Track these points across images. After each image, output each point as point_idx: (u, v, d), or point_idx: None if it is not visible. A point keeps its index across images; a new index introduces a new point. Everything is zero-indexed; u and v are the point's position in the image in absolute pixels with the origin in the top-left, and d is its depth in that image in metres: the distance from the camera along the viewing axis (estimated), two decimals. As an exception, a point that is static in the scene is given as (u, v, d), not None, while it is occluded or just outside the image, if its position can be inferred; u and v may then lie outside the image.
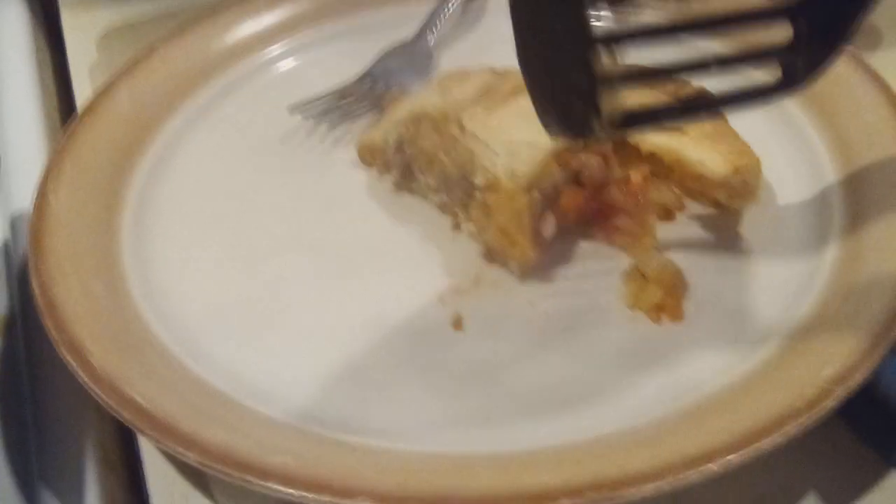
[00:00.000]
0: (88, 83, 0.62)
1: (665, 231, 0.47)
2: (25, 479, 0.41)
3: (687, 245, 0.46)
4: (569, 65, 0.33)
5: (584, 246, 0.47)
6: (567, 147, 0.45)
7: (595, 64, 0.33)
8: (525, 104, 0.47)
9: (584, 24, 0.32)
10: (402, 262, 0.47)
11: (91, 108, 0.52)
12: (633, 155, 0.48)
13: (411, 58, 0.58)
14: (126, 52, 0.60)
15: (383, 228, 0.49)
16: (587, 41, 0.33)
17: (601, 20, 0.33)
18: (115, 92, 0.53)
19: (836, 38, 0.33)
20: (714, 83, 0.36)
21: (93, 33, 0.67)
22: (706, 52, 0.36)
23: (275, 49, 0.59)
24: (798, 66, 0.34)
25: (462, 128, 0.46)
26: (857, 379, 0.36)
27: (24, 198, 0.50)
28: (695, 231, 0.47)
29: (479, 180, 0.45)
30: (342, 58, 0.58)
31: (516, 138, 0.45)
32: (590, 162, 0.47)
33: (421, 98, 0.49)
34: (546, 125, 0.36)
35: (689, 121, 0.37)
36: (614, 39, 0.33)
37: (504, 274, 0.46)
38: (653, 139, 0.47)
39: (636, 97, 0.34)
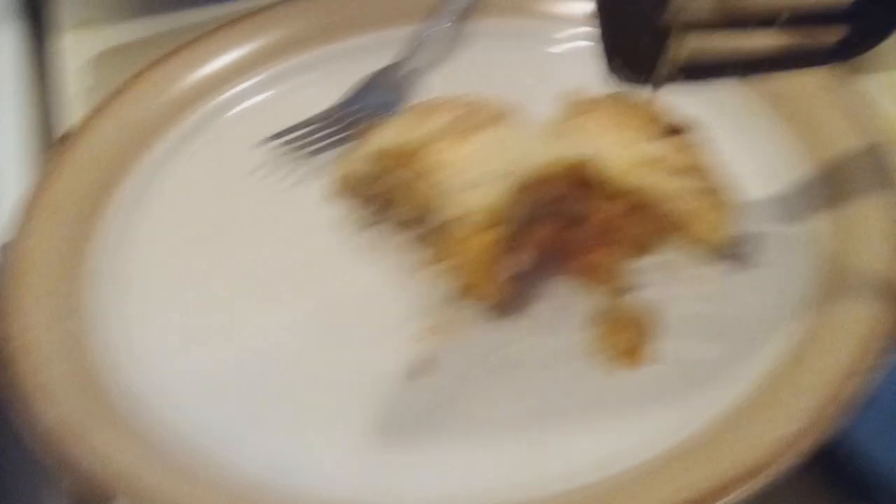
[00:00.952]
0: (79, 109, 0.63)
1: (637, 268, 0.46)
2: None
3: (659, 285, 0.45)
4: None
5: (558, 282, 0.46)
6: (533, 179, 0.44)
7: (671, 2, 0.34)
8: (494, 135, 0.47)
9: None
10: (371, 303, 0.46)
11: (66, 144, 0.52)
12: (606, 189, 0.47)
13: (391, 85, 0.57)
14: (117, 77, 0.60)
15: (352, 267, 0.48)
16: None
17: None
18: (90, 129, 0.53)
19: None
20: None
21: (84, 57, 0.67)
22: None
23: (254, 78, 0.58)
24: (858, 34, 0.34)
25: (430, 161, 0.45)
26: (817, 440, 0.35)
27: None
28: (667, 269, 0.46)
29: (445, 215, 0.44)
30: (323, 86, 0.57)
31: (483, 170, 0.44)
32: (560, 194, 0.46)
33: (391, 130, 0.48)
34: (610, 63, 0.36)
35: (752, 77, 0.37)
36: None
37: (475, 313, 0.45)
38: (626, 175, 0.46)
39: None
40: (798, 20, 0.35)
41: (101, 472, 0.38)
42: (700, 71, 0.36)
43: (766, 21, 0.34)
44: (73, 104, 0.63)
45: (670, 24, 0.34)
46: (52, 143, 0.64)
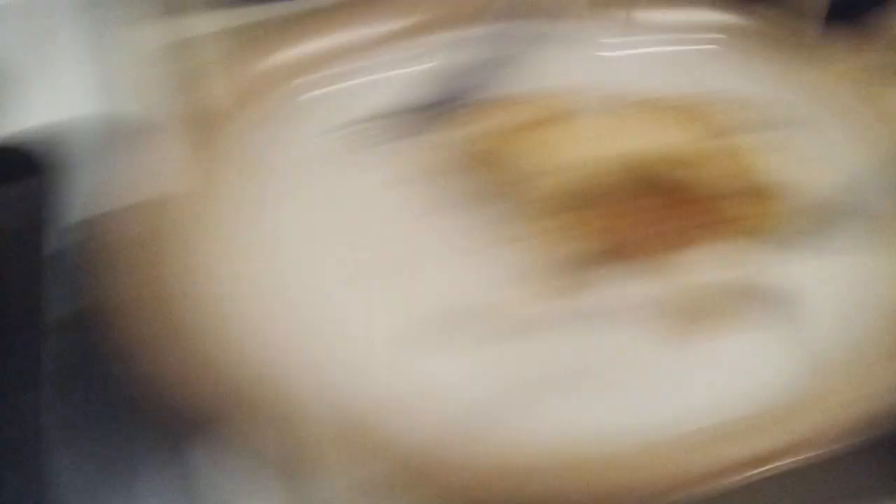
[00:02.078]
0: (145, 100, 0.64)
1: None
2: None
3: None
4: None
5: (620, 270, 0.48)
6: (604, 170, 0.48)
7: None
8: (555, 132, 0.50)
9: None
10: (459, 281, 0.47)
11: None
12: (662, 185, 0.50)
13: (462, 80, 0.59)
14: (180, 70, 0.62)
15: (440, 250, 0.49)
16: None
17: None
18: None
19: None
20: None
21: (150, 49, 0.69)
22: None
23: (330, 70, 0.59)
24: None
25: (509, 153, 0.49)
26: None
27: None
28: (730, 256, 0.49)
29: (523, 197, 0.48)
30: (407, 76, 0.59)
31: (568, 157, 0.48)
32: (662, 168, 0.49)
33: (467, 123, 0.52)
34: None
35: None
36: None
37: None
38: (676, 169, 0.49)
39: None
40: None
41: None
42: None
43: None
44: (141, 94, 0.65)
45: None
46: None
